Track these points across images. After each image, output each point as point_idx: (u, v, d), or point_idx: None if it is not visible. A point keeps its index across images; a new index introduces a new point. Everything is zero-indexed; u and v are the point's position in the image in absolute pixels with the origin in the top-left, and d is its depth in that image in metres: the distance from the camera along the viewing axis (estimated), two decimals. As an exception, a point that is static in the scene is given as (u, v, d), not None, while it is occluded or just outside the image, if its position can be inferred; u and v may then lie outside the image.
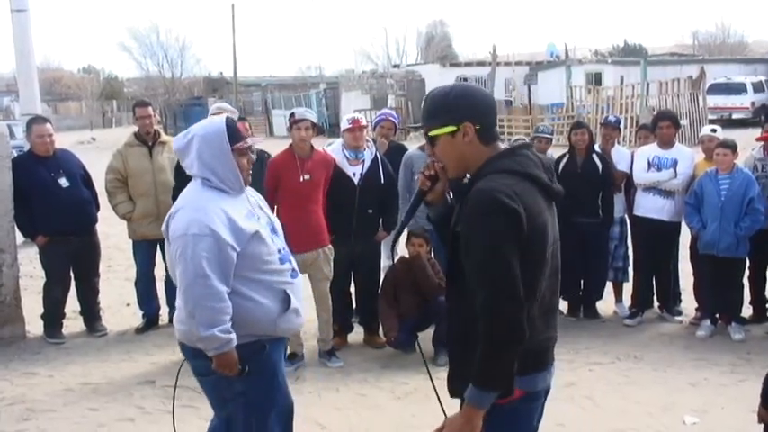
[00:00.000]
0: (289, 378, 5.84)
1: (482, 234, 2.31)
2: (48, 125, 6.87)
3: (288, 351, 6.07)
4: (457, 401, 2.53)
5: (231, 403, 3.38)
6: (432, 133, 2.51)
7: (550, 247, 2.46)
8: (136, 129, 7.19)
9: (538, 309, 2.44)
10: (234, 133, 3.25)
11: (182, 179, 6.12)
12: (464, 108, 2.47)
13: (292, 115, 6.00)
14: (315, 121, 5.96)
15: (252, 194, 3.48)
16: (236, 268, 3.17)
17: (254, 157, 3.72)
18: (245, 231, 3.18)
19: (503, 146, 2.56)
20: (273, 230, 3.43)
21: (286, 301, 3.32)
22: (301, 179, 5.83)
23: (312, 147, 6.02)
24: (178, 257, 3.14)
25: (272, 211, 5.78)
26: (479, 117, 2.48)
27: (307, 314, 6.22)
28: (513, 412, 2.47)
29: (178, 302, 3.33)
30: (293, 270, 3.43)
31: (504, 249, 2.29)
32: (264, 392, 3.38)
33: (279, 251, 3.35)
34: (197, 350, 3.25)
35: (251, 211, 3.32)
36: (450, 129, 2.46)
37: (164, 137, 7.20)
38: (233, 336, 3.15)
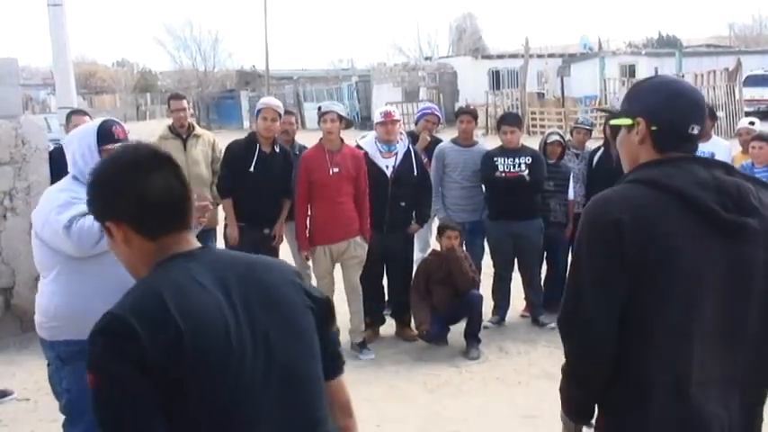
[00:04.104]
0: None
1: (576, 244, 2.02)
2: (87, 117, 6.94)
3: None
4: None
5: (62, 397, 3.45)
6: (612, 122, 2.18)
7: (693, 284, 1.90)
8: (170, 121, 7.25)
9: (696, 374, 1.91)
10: (105, 136, 3.36)
11: (228, 169, 6.19)
12: (645, 101, 2.05)
13: (320, 108, 6.10)
14: (341, 113, 5.99)
15: None
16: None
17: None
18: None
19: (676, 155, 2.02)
20: None
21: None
22: (330, 172, 5.86)
23: (342, 140, 6.06)
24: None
25: (307, 203, 5.82)
26: (658, 115, 2.00)
27: (338, 307, 6.32)
28: None
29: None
30: None
31: (592, 264, 1.94)
32: (80, 398, 3.26)
33: None
34: (43, 340, 3.39)
35: None
36: (627, 122, 2.06)
37: (198, 130, 7.24)
38: None
